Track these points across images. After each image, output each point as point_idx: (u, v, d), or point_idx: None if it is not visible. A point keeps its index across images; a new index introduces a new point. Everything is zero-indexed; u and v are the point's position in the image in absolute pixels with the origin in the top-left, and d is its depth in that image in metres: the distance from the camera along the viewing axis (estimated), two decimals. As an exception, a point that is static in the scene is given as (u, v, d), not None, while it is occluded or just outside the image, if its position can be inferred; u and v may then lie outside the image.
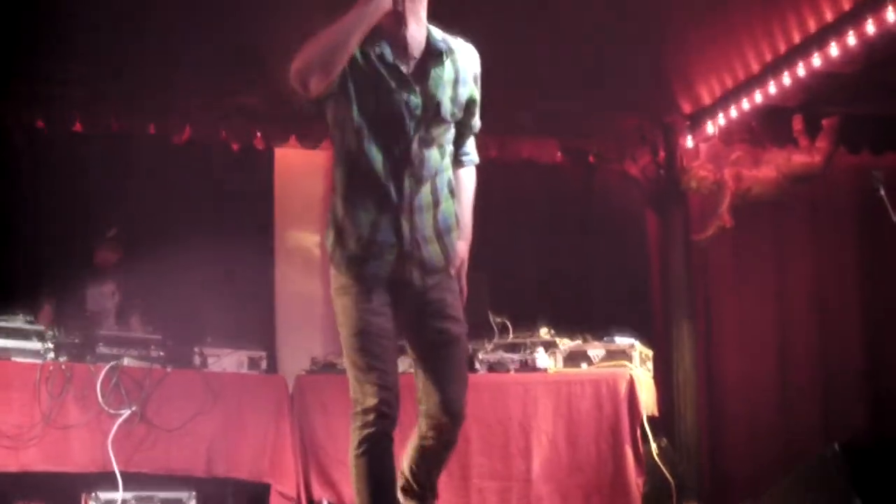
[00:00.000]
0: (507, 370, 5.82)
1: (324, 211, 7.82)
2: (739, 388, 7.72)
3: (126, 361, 5.54)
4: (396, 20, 2.93)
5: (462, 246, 3.16)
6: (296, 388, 5.96)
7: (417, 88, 2.95)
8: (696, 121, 7.53)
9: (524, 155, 7.80)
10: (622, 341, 5.91)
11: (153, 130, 7.17)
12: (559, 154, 7.86)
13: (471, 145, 3.28)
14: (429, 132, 2.98)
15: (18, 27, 5.81)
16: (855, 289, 7.90)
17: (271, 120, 7.35)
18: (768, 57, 6.53)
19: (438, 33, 3.04)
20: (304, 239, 7.84)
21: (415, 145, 2.96)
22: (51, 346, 5.45)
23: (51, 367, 5.33)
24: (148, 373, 5.54)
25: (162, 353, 5.71)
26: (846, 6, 5.78)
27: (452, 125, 3.07)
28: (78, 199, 6.74)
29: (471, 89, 3.09)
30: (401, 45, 2.96)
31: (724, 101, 7.20)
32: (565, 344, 5.95)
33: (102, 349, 5.56)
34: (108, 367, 5.42)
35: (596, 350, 5.88)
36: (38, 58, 6.23)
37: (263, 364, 6.13)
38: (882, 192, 4.53)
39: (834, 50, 6.10)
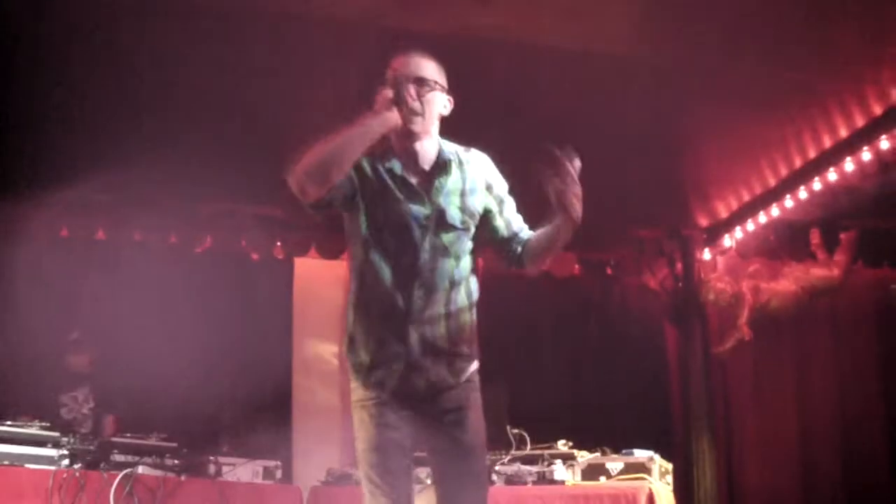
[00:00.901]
0: (525, 483, 5.73)
1: (342, 321, 7.89)
2: (762, 499, 7.59)
3: (140, 469, 5.49)
4: (406, 134, 2.99)
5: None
6: (311, 499, 5.89)
7: (426, 199, 2.98)
8: (712, 234, 7.59)
9: (542, 267, 7.83)
10: (641, 454, 5.83)
11: (174, 239, 7.26)
12: (577, 266, 7.90)
13: (522, 225, 3.22)
14: (439, 240, 2.98)
15: (43, 138, 5.94)
16: (876, 401, 7.82)
17: (291, 230, 7.44)
18: (784, 172, 6.61)
19: (450, 146, 3.09)
20: (321, 349, 7.85)
21: (425, 255, 2.96)
22: (66, 452, 5.42)
23: (64, 475, 5.28)
24: (162, 481, 5.48)
25: (177, 462, 5.66)
26: (860, 123, 5.86)
27: (465, 234, 3.05)
28: (88, 306, 6.78)
29: (484, 197, 3.10)
30: (411, 158, 3.02)
31: (740, 215, 7.27)
32: (583, 457, 5.88)
33: (117, 456, 5.51)
34: (121, 474, 5.37)
35: (614, 463, 5.80)
36: (60, 167, 6.35)
37: (279, 474, 6.07)
38: (901, 306, 4.52)
39: (849, 165, 6.17)
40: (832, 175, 6.35)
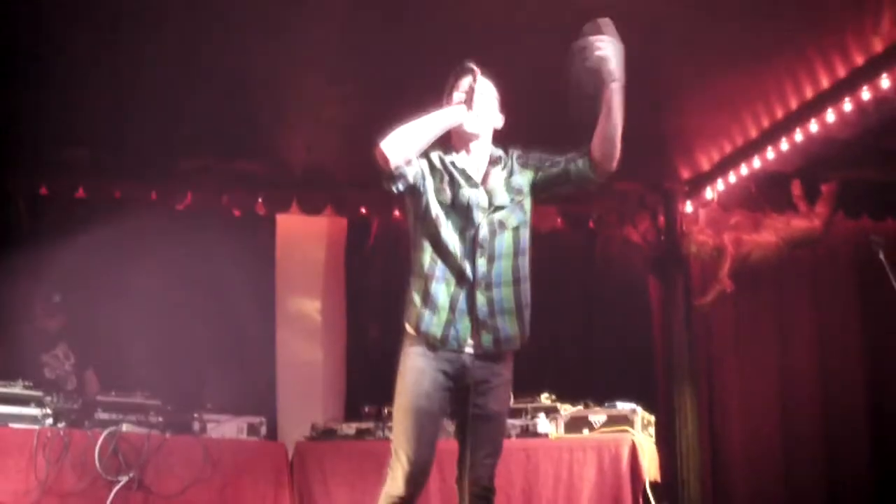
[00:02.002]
0: (509, 436, 5.77)
1: (325, 276, 7.92)
2: (743, 452, 7.68)
3: (125, 427, 5.50)
4: (467, 135, 3.64)
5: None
6: (296, 455, 5.92)
7: (481, 186, 3.59)
8: (694, 186, 7.59)
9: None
10: (624, 407, 5.87)
11: (155, 197, 7.22)
12: (559, 220, 7.90)
13: (568, 156, 3.69)
14: (495, 218, 3.56)
15: (22, 97, 5.87)
16: (856, 352, 7.90)
17: (273, 186, 7.41)
18: (766, 123, 6.60)
19: (496, 150, 3.71)
20: (305, 304, 7.85)
21: (483, 231, 3.53)
22: (49, 412, 5.42)
23: (48, 434, 5.29)
24: (146, 439, 5.50)
25: (161, 419, 5.67)
26: (842, 73, 5.85)
27: (518, 209, 3.61)
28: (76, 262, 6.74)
29: (523, 175, 3.67)
30: (469, 153, 3.65)
31: (722, 167, 7.26)
32: (567, 410, 5.92)
33: (101, 415, 5.52)
34: (106, 432, 5.38)
35: (597, 416, 5.85)
36: (40, 126, 6.28)
37: (263, 430, 6.09)
38: (882, 257, 4.54)
39: (830, 116, 6.17)
40: (813, 126, 6.35)
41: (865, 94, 5.89)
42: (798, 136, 6.51)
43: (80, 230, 6.77)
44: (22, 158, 6.76)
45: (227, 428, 5.94)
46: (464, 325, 3.47)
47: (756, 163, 6.98)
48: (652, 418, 6.15)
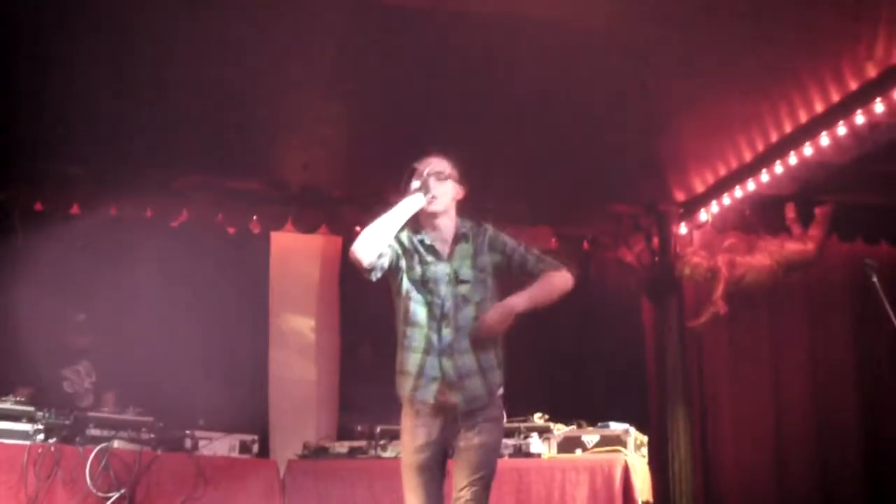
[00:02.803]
0: (501, 456, 5.75)
1: (319, 294, 7.92)
2: (736, 473, 7.68)
3: (116, 444, 5.48)
4: (431, 214, 3.96)
5: (514, 299, 3.93)
6: (287, 473, 5.89)
7: (448, 261, 3.94)
8: (689, 208, 7.61)
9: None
10: (617, 427, 5.88)
11: (150, 213, 7.22)
12: (553, 241, 7.90)
13: (536, 265, 4.02)
14: (459, 292, 3.90)
15: (19, 112, 5.88)
16: (850, 375, 7.92)
17: (268, 204, 7.41)
18: (760, 146, 6.62)
19: (464, 223, 4.03)
20: (298, 322, 7.84)
21: (449, 303, 3.89)
22: (41, 427, 5.40)
23: (39, 450, 5.26)
24: (138, 455, 5.48)
25: (153, 436, 5.65)
26: (836, 98, 5.88)
27: (480, 286, 3.94)
28: (71, 281, 6.73)
29: (490, 256, 3.99)
30: (436, 231, 3.99)
31: (716, 190, 7.28)
32: (559, 430, 5.92)
33: (93, 431, 5.50)
34: (97, 449, 5.36)
35: (590, 436, 5.85)
36: (36, 141, 6.29)
37: (255, 448, 6.07)
38: (875, 280, 4.55)
39: (825, 140, 6.20)
40: (808, 150, 6.37)
41: (859, 119, 5.92)
42: (792, 159, 6.54)
43: (75, 246, 6.77)
44: (18, 173, 6.76)
45: (219, 445, 5.91)
46: (431, 388, 3.84)
47: (750, 185, 7.00)
48: (645, 439, 6.15)
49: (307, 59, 5.47)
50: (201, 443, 5.84)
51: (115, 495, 5.31)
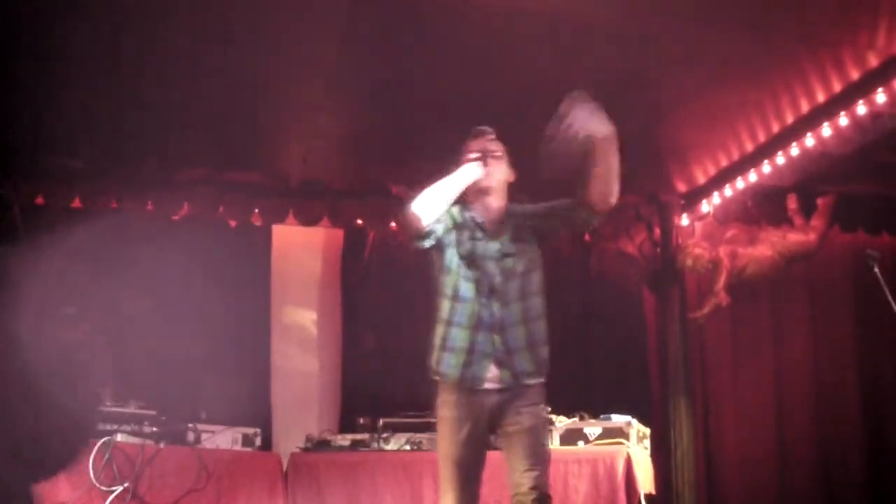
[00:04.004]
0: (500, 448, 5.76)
1: (321, 287, 7.92)
2: (738, 465, 7.68)
3: (119, 437, 5.49)
4: (482, 191, 3.99)
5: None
6: (290, 466, 5.90)
7: (494, 236, 3.97)
8: (690, 199, 7.60)
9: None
10: (619, 419, 5.88)
11: (151, 207, 7.21)
12: (554, 231, 7.89)
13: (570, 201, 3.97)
14: (506, 266, 3.92)
15: (19, 106, 5.87)
16: (851, 365, 7.92)
17: (269, 197, 7.40)
18: (762, 137, 6.61)
19: (511, 205, 4.06)
20: (300, 315, 7.84)
21: (498, 278, 3.90)
22: (43, 421, 5.40)
23: (43, 443, 5.28)
24: (141, 449, 5.49)
25: (156, 429, 5.66)
26: (837, 88, 5.87)
27: (523, 258, 3.96)
28: (71, 272, 6.73)
29: (529, 226, 4.01)
30: (485, 208, 4.01)
31: (718, 180, 7.27)
32: (562, 422, 5.92)
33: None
34: (100, 442, 5.37)
35: (592, 428, 5.85)
36: (37, 135, 6.28)
37: (258, 441, 6.08)
38: (877, 271, 4.55)
39: (826, 130, 6.19)
40: (809, 140, 6.36)
41: (861, 109, 5.91)
42: (794, 150, 6.53)
43: (76, 239, 6.76)
44: (19, 167, 6.76)
45: (222, 438, 5.93)
46: (481, 365, 3.83)
47: (752, 176, 6.99)
48: (647, 431, 6.15)
49: (308, 51, 5.46)
50: (204, 436, 5.86)
51: (119, 489, 5.33)
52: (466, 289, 3.90)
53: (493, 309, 3.88)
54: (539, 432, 3.91)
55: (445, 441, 3.88)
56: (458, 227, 3.98)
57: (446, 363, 3.88)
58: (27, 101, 5.82)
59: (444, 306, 3.94)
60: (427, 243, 3.88)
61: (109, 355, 6.38)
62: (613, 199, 3.93)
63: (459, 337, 3.87)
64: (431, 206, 3.83)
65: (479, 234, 3.97)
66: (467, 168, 3.95)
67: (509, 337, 3.88)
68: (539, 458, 3.86)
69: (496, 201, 4.04)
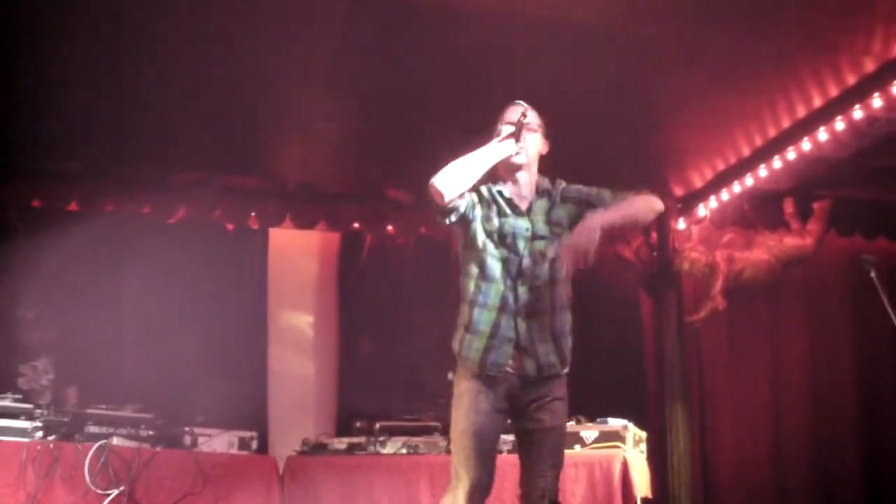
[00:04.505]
0: (500, 451, 5.74)
1: (317, 291, 7.91)
2: (734, 467, 7.68)
3: (115, 441, 5.48)
4: (513, 166, 3.80)
5: (594, 215, 3.62)
6: (286, 469, 5.89)
7: (526, 216, 3.76)
8: (687, 204, 7.61)
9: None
10: (615, 423, 5.87)
11: (148, 210, 7.21)
12: (552, 236, 7.90)
13: (616, 196, 3.82)
14: (535, 247, 3.72)
15: (16, 109, 5.86)
16: (848, 370, 7.93)
17: (266, 200, 7.40)
18: (759, 141, 6.62)
19: (543, 180, 3.87)
20: (297, 318, 7.84)
21: (526, 260, 3.71)
22: (39, 424, 5.40)
23: (38, 447, 5.27)
24: (137, 452, 5.48)
25: (152, 433, 5.65)
26: (834, 93, 5.88)
27: (554, 243, 3.75)
28: (68, 274, 6.73)
29: (565, 209, 3.82)
30: (515, 184, 3.82)
31: (715, 185, 7.28)
32: (558, 425, 5.91)
33: (91, 428, 5.50)
34: (96, 446, 5.36)
35: (589, 432, 5.85)
36: (34, 138, 6.28)
37: (254, 444, 6.07)
38: (873, 276, 4.56)
39: (823, 135, 6.20)
40: (806, 145, 6.37)
41: (857, 114, 5.92)
42: (791, 154, 6.54)
43: (72, 242, 6.76)
44: (16, 170, 6.75)
45: (218, 442, 5.92)
46: (504, 350, 3.66)
47: (749, 181, 7.00)
48: (643, 434, 6.15)
49: (305, 54, 5.46)
50: (200, 439, 5.85)
51: (115, 492, 5.31)
52: (493, 268, 3.71)
53: (518, 292, 3.70)
54: (560, 434, 3.77)
55: (464, 413, 3.67)
56: (484, 201, 3.79)
57: (468, 345, 3.71)
58: (25, 102, 5.82)
59: (469, 286, 3.76)
60: (449, 219, 3.70)
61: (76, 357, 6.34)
62: (653, 215, 3.88)
63: (483, 319, 3.69)
64: (455, 182, 3.63)
65: (507, 211, 3.77)
66: (500, 144, 3.76)
67: (534, 324, 3.70)
68: (556, 461, 3.73)
69: (526, 177, 3.83)
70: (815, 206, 7.52)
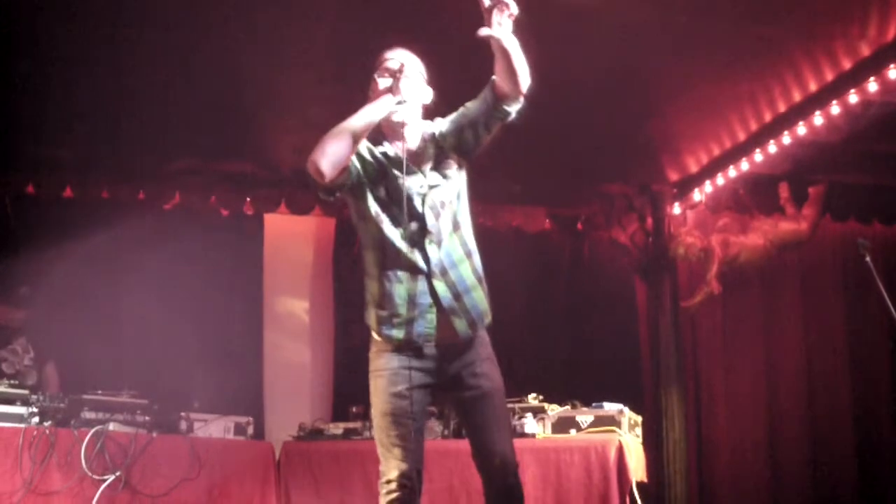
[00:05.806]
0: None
1: (313, 276, 7.92)
2: (729, 453, 7.71)
3: (111, 426, 5.49)
4: (395, 121, 3.44)
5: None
6: (283, 455, 5.91)
7: (416, 170, 3.43)
8: (683, 188, 7.61)
9: (513, 223, 7.84)
10: (611, 407, 5.89)
11: (142, 196, 7.20)
12: (547, 222, 7.92)
13: (472, 103, 3.46)
14: (434, 200, 3.41)
15: (9, 96, 5.85)
16: (843, 354, 7.95)
17: (261, 186, 7.39)
18: (754, 126, 6.62)
19: (426, 126, 3.52)
20: (292, 304, 7.84)
21: (428, 217, 3.38)
22: (35, 410, 5.41)
23: (34, 433, 5.28)
24: (133, 438, 5.49)
25: (148, 418, 5.66)
26: (829, 77, 5.87)
27: (449, 185, 3.45)
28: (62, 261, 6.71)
29: (447, 142, 3.47)
30: (402, 141, 3.45)
31: (710, 170, 7.28)
32: (554, 410, 5.93)
33: (88, 414, 5.51)
34: (92, 432, 5.37)
35: (584, 416, 5.86)
36: (28, 125, 6.26)
37: (250, 430, 6.09)
38: (868, 260, 4.57)
39: (818, 119, 6.20)
40: (801, 129, 6.37)
41: (853, 98, 5.92)
42: (786, 138, 6.54)
43: (67, 229, 6.75)
44: (9, 157, 6.73)
45: (215, 427, 5.93)
46: (428, 319, 3.36)
47: (744, 165, 7.00)
48: (639, 419, 6.17)
49: (299, 41, 5.44)
50: (196, 425, 5.86)
51: (111, 478, 5.34)
52: (393, 235, 3.36)
53: (428, 252, 3.36)
54: (502, 395, 3.46)
55: (381, 395, 3.37)
56: (369, 167, 3.43)
57: (381, 325, 3.40)
58: (18, 90, 5.80)
59: (370, 259, 3.45)
60: (334, 196, 3.42)
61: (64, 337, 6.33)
62: (526, 80, 3.40)
63: (395, 292, 3.36)
64: (334, 156, 3.27)
65: (396, 173, 3.41)
66: (377, 103, 3.38)
67: (454, 278, 3.38)
68: (506, 425, 3.48)
69: (414, 131, 3.48)
70: (811, 190, 7.52)
